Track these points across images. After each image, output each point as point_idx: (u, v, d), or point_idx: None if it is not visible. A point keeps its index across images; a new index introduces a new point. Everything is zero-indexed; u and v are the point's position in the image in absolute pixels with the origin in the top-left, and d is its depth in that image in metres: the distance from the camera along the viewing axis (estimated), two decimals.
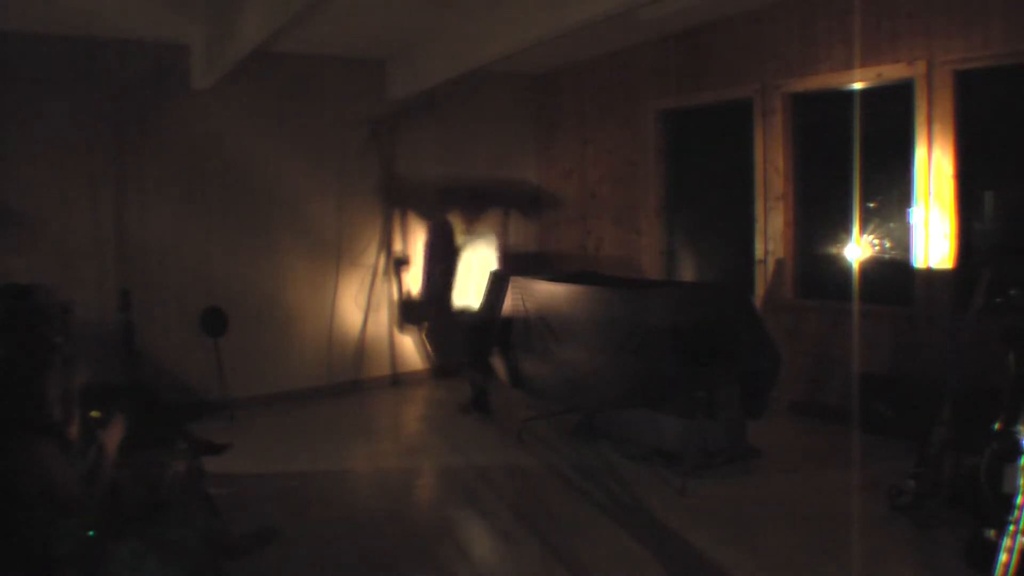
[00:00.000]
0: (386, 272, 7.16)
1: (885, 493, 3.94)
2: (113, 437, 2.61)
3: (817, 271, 5.78)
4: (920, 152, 4.96)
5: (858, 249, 5.42)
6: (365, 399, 6.69)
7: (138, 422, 3.79)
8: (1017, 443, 2.50)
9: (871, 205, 5.40)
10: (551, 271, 6.92)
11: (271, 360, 6.50)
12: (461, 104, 7.40)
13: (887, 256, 5.38)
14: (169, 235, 6.04)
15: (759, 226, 5.96)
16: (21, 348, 2.60)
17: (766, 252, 5.93)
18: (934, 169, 4.91)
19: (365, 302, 7.01)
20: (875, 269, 5.39)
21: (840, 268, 5.56)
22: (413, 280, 7.28)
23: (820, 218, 5.74)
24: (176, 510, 2.73)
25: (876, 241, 5.41)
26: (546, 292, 4.99)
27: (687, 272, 6.84)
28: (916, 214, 5.05)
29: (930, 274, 4.98)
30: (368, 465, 5.03)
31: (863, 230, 5.42)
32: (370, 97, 6.90)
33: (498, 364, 5.32)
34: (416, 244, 7.29)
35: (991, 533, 2.63)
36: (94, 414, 2.79)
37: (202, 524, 2.78)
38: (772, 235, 5.88)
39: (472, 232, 6.14)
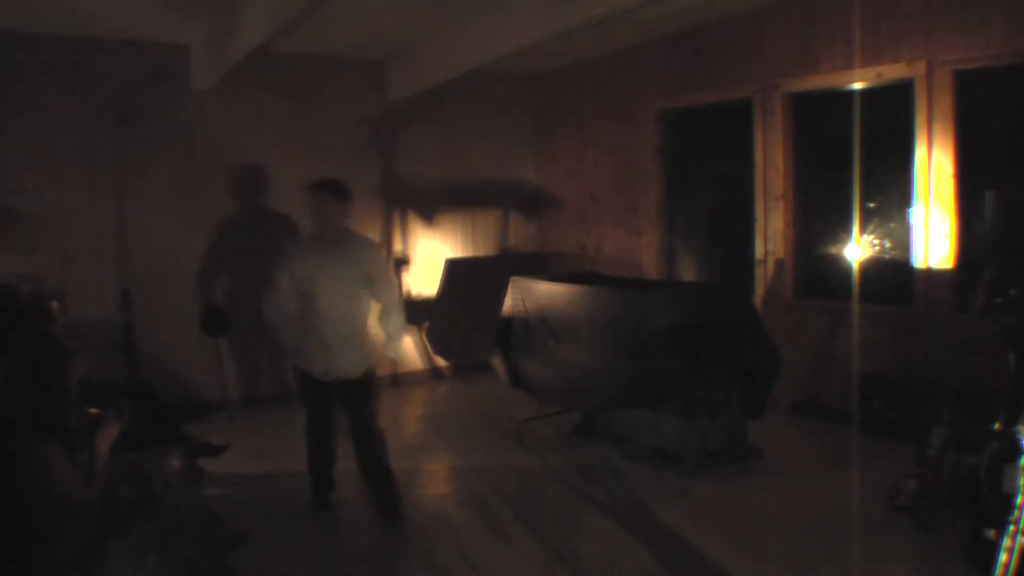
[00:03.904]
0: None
1: (885, 493, 3.94)
2: (106, 438, 2.60)
3: (817, 271, 5.78)
4: (920, 152, 4.96)
5: (858, 249, 5.42)
6: None
7: (138, 422, 3.79)
8: (1017, 443, 2.49)
9: (871, 205, 5.39)
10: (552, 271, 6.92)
11: (270, 360, 6.50)
12: (461, 104, 7.40)
13: (887, 256, 5.38)
14: (169, 235, 6.05)
15: (759, 226, 5.96)
16: (26, 348, 2.59)
17: (766, 252, 5.93)
18: (934, 169, 4.91)
19: None
20: (875, 269, 5.39)
21: (840, 268, 5.55)
22: (413, 280, 7.28)
23: (820, 218, 5.74)
24: (175, 507, 2.73)
25: (876, 241, 5.41)
26: (546, 292, 4.99)
27: (687, 272, 6.84)
28: (916, 214, 5.04)
29: (930, 274, 4.98)
30: None
31: (863, 230, 5.42)
32: (370, 97, 6.91)
33: (498, 364, 5.31)
34: (416, 244, 7.28)
35: (991, 533, 2.63)
36: (92, 411, 2.78)
37: (200, 521, 2.78)
38: (772, 235, 5.88)
39: None
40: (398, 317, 4.08)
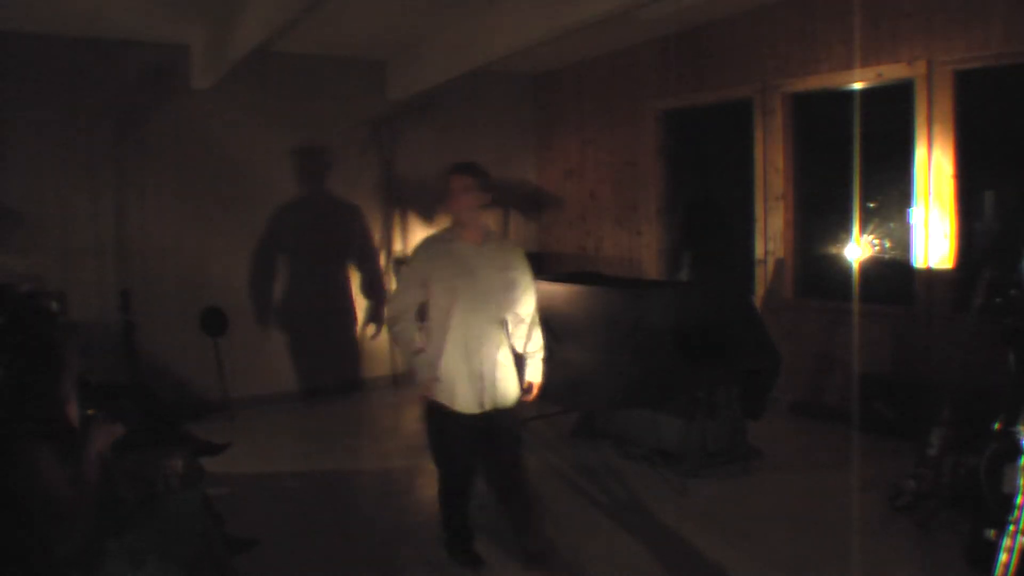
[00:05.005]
0: (386, 272, 7.16)
1: (885, 493, 3.93)
2: (100, 439, 2.57)
3: (817, 271, 5.78)
4: (920, 152, 4.96)
5: (858, 249, 5.42)
6: (365, 399, 6.69)
7: (138, 422, 3.78)
8: (1017, 443, 2.49)
9: (871, 205, 5.40)
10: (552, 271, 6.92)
11: (271, 360, 6.50)
12: (461, 104, 7.40)
13: (887, 256, 5.38)
14: (169, 235, 6.05)
15: (759, 226, 5.96)
16: (24, 348, 2.58)
17: (766, 252, 5.93)
18: (934, 169, 4.91)
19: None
20: (875, 269, 5.39)
21: (840, 268, 5.55)
22: None
23: (820, 218, 5.75)
24: (175, 508, 2.73)
25: (876, 241, 5.41)
26: (546, 292, 4.99)
27: (687, 272, 6.84)
28: (916, 214, 5.05)
29: (930, 274, 4.98)
30: (368, 465, 5.02)
31: (863, 230, 5.42)
32: (370, 97, 6.91)
33: None
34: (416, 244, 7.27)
35: (991, 533, 2.64)
36: (90, 412, 2.78)
37: (201, 522, 2.78)
38: (772, 235, 5.88)
39: None
40: (539, 336, 3.53)
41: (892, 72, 5.07)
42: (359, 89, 6.86)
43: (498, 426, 3.33)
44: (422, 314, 3.38)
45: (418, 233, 7.30)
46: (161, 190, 6.00)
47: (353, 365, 6.93)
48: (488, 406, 3.28)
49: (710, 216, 6.72)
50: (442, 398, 3.28)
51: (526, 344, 3.48)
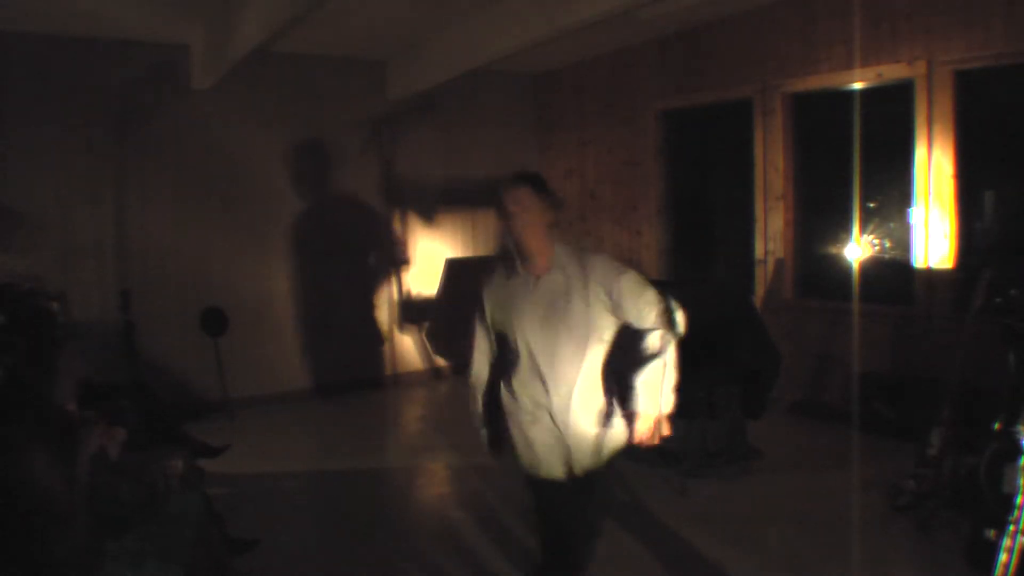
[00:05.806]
0: (392, 272, 7.16)
1: (885, 493, 3.93)
2: (93, 442, 2.56)
3: (817, 271, 5.78)
4: (920, 152, 4.96)
5: (858, 249, 5.42)
6: (366, 399, 6.69)
7: (138, 422, 3.78)
8: (1017, 443, 2.50)
9: (871, 205, 5.40)
10: None
11: (271, 360, 6.50)
12: (461, 104, 7.40)
13: (887, 256, 5.38)
14: (169, 235, 6.05)
15: (759, 226, 5.96)
16: (27, 350, 2.58)
17: (766, 252, 5.93)
18: (934, 169, 4.91)
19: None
20: (875, 269, 5.39)
21: (840, 268, 5.55)
22: (413, 280, 7.27)
23: (820, 218, 5.75)
24: (175, 509, 2.73)
25: (876, 241, 5.41)
26: None
27: (687, 272, 6.84)
28: (916, 214, 5.05)
29: (930, 274, 4.98)
30: (369, 465, 5.02)
31: (863, 230, 5.42)
32: (370, 97, 6.91)
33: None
34: (416, 244, 7.28)
35: (991, 533, 2.64)
36: (90, 413, 2.78)
37: (201, 523, 2.77)
38: (772, 235, 5.88)
39: None
40: (671, 346, 2.74)
41: (892, 72, 5.07)
42: (359, 89, 6.86)
43: (587, 488, 2.76)
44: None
45: (418, 233, 7.31)
46: (161, 190, 6.00)
47: (354, 365, 6.93)
48: (578, 469, 2.68)
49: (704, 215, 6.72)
50: (525, 463, 2.75)
51: (649, 364, 2.67)
